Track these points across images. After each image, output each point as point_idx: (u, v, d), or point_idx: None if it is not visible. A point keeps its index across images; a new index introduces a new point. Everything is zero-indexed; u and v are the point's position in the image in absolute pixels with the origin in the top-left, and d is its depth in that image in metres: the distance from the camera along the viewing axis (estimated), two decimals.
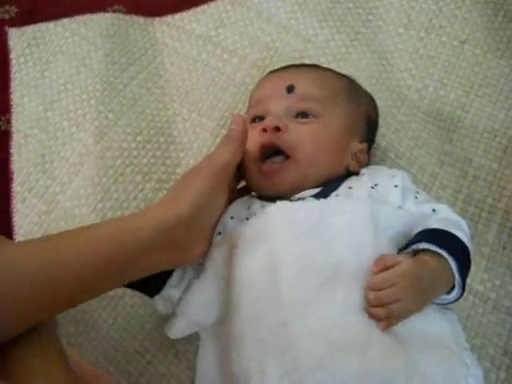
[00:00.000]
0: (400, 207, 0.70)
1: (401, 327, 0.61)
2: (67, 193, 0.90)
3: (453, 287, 0.66)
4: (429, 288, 0.64)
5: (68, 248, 0.55)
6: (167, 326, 0.73)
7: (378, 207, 0.69)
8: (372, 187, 0.72)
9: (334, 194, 0.72)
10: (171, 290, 0.72)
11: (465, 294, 0.80)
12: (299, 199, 0.72)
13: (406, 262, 0.63)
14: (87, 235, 0.57)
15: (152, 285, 0.72)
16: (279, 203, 0.71)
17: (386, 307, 0.60)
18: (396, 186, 0.73)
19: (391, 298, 0.60)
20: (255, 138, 0.75)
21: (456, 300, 0.68)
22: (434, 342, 0.63)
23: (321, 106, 0.77)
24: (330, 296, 0.62)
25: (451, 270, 0.64)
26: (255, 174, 0.76)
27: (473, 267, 0.81)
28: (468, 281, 0.80)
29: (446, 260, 0.64)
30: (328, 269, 0.64)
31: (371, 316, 0.61)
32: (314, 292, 0.62)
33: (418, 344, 0.61)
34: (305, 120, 0.76)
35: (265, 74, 0.93)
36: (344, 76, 0.87)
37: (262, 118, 0.78)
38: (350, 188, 0.73)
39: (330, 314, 0.61)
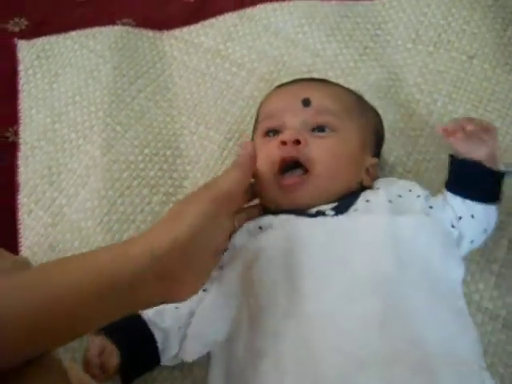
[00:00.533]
0: (427, 214, 0.72)
1: (430, 342, 0.61)
2: (73, 205, 0.89)
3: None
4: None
5: (58, 283, 0.51)
6: (181, 351, 0.71)
7: (399, 220, 0.69)
8: (390, 201, 0.72)
9: (352, 208, 0.72)
10: (169, 352, 0.71)
11: (474, 312, 0.80)
12: (318, 212, 0.72)
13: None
14: (78, 268, 0.53)
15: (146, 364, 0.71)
16: (299, 217, 0.71)
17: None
18: (419, 196, 0.74)
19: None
20: (272, 152, 0.74)
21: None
22: (458, 359, 0.62)
23: (337, 119, 0.76)
24: (349, 309, 0.62)
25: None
26: (273, 187, 0.74)
27: (482, 285, 0.81)
28: (477, 298, 0.80)
29: None
30: (347, 281, 0.64)
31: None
32: (333, 303, 0.62)
33: (443, 360, 0.60)
34: (322, 134, 0.75)
35: (273, 87, 0.92)
36: (351, 90, 0.87)
37: (276, 132, 0.78)
38: (368, 201, 0.73)
39: (351, 328, 0.60)
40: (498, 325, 0.80)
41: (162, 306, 0.70)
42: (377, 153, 0.85)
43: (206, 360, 0.74)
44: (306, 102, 0.77)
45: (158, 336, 0.69)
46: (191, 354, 0.72)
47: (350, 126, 0.77)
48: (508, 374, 0.77)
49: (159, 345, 0.69)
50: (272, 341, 0.63)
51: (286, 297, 0.65)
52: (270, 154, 0.74)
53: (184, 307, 0.71)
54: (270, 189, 0.75)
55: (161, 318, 0.70)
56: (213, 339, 0.72)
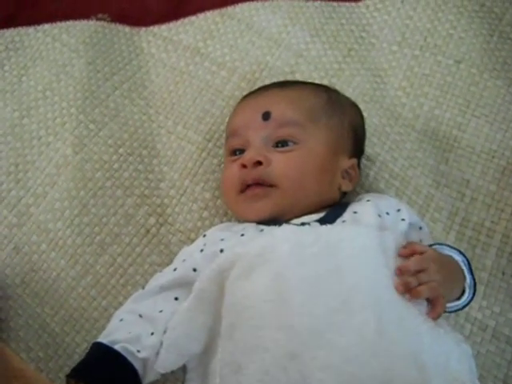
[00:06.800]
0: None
1: (425, 357, 0.58)
2: (41, 205, 0.84)
3: (462, 294, 0.69)
4: (448, 277, 0.65)
5: None
6: (156, 362, 0.67)
7: (387, 235, 0.67)
8: (379, 215, 0.71)
9: (339, 219, 0.70)
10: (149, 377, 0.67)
11: (462, 322, 0.78)
12: (303, 224, 0.70)
13: (432, 250, 0.66)
14: None
15: None
16: (285, 225, 0.68)
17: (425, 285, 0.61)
18: (403, 219, 0.73)
19: (426, 278, 0.62)
20: (235, 173, 0.75)
21: (467, 304, 0.70)
22: (452, 375, 0.60)
23: (300, 129, 0.75)
24: (343, 324, 0.59)
25: (461, 269, 0.68)
26: (238, 205, 0.76)
27: None
28: (465, 308, 0.77)
29: (456, 261, 0.69)
30: (339, 295, 0.60)
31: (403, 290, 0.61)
32: (326, 319, 0.59)
33: (438, 376, 0.58)
34: (286, 148, 0.74)
35: (255, 87, 0.90)
36: (323, 87, 0.84)
37: (242, 151, 0.77)
38: (356, 213, 0.71)
39: (344, 345, 0.57)
40: (487, 335, 0.78)
41: (137, 332, 0.66)
42: (357, 151, 0.82)
43: (181, 374, 0.71)
44: (266, 116, 0.76)
45: (138, 366, 0.65)
46: (166, 365, 0.68)
47: (315, 132, 0.75)
48: None
49: (140, 373, 0.66)
50: (255, 355, 0.59)
51: (272, 307, 0.60)
52: (233, 175, 0.75)
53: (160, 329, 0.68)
54: (236, 207, 0.76)
55: (137, 346, 0.65)
56: (189, 350, 0.68)
